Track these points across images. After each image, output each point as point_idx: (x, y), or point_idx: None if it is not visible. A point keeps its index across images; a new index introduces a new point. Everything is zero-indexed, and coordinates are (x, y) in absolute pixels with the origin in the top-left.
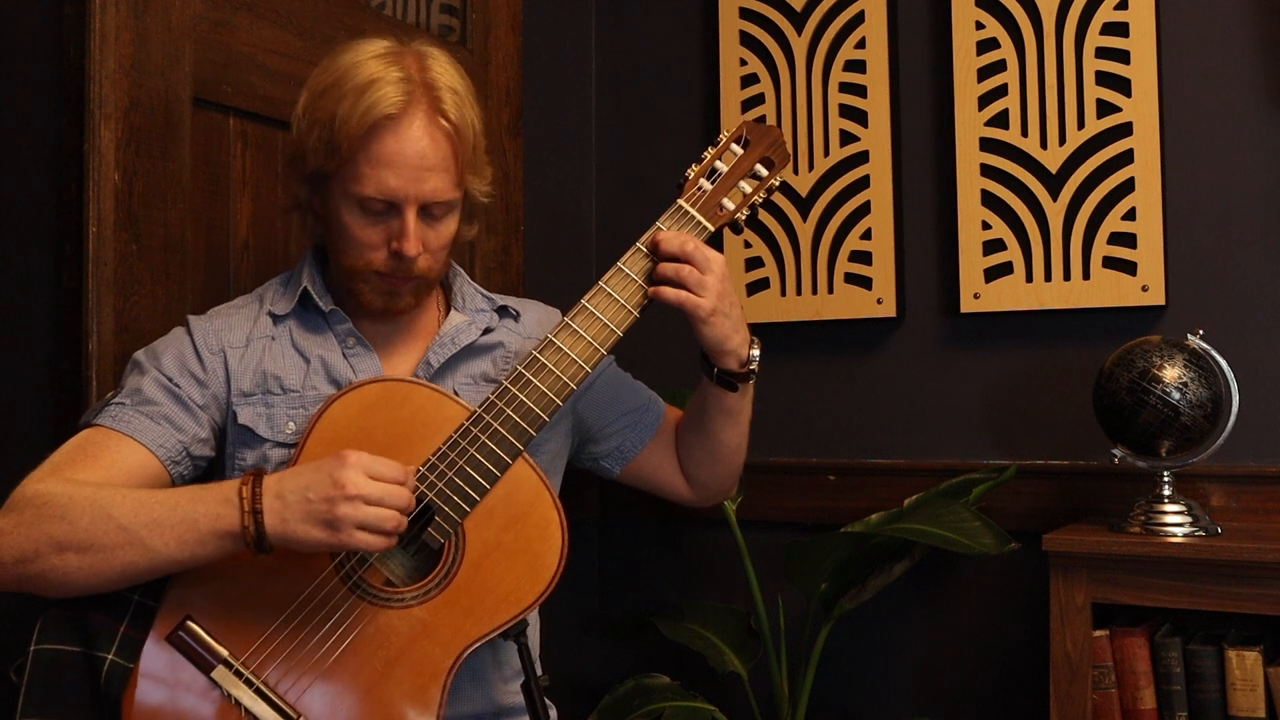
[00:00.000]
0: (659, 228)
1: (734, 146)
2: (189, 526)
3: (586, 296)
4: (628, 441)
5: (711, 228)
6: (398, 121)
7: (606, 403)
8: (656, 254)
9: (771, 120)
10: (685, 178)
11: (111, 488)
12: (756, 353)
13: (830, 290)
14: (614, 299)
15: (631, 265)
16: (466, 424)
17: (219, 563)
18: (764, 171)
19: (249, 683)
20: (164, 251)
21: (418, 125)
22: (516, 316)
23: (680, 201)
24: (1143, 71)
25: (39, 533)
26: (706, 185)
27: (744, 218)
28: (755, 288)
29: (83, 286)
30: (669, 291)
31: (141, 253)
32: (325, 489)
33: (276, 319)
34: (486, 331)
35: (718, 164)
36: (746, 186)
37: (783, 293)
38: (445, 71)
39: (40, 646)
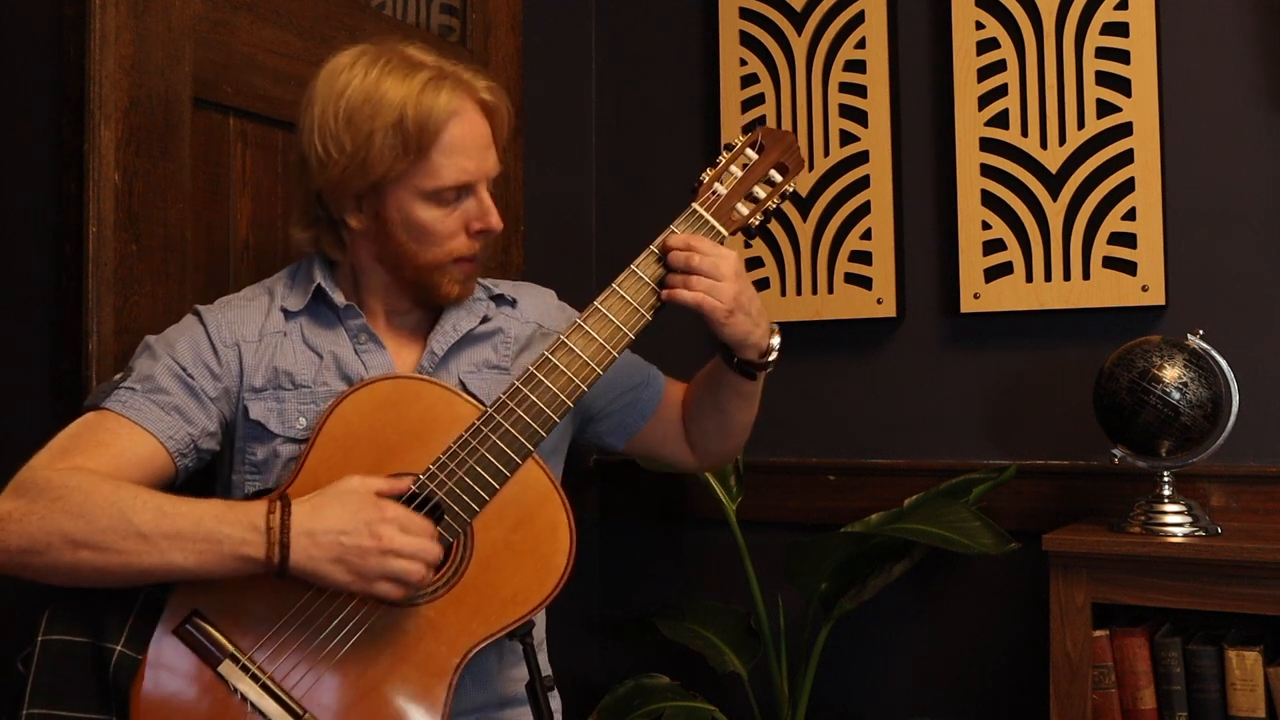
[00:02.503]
0: (673, 231)
1: (749, 151)
2: (211, 545)
3: (599, 298)
4: (630, 418)
5: (726, 232)
6: (462, 112)
7: (606, 383)
8: (665, 259)
9: (771, 120)
10: (700, 182)
11: (130, 488)
12: (777, 341)
13: (830, 290)
14: (626, 301)
15: (644, 268)
16: (477, 423)
17: None
18: (778, 177)
19: (255, 678)
20: (164, 251)
21: (472, 110)
22: (513, 303)
23: (695, 205)
24: (1143, 71)
25: (53, 526)
26: (721, 190)
27: (757, 223)
28: (755, 288)
29: (83, 286)
30: (683, 293)
31: (141, 253)
32: (361, 538)
33: (289, 314)
34: (485, 320)
35: (732, 168)
36: (760, 192)
37: (783, 293)
38: (430, 54)
39: (48, 637)
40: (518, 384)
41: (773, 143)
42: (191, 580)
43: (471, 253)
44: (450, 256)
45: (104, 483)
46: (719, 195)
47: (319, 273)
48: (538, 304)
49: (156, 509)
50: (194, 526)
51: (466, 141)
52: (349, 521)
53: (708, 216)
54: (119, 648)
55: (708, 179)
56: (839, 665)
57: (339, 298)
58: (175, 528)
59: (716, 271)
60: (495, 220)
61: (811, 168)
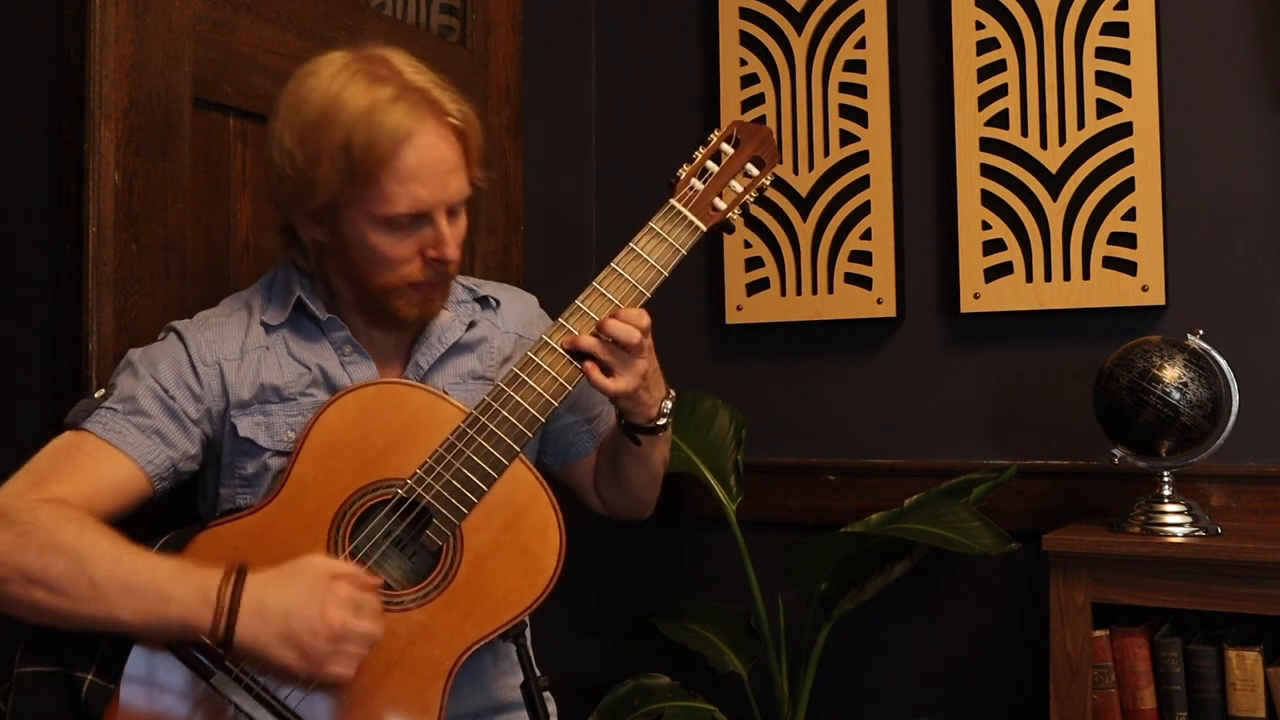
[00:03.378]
0: (652, 228)
1: (725, 146)
2: (159, 605)
3: (580, 297)
4: (578, 445)
5: (704, 227)
6: (415, 135)
7: (570, 403)
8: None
9: (771, 120)
10: (677, 178)
11: (92, 532)
12: (669, 406)
13: (830, 290)
14: (608, 299)
15: (623, 267)
16: (463, 426)
17: None
18: (755, 170)
19: (249, 688)
20: (164, 251)
21: (432, 133)
22: (496, 305)
23: (672, 201)
24: (1143, 71)
25: (12, 560)
26: (698, 185)
27: (735, 217)
28: (755, 288)
29: (83, 286)
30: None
31: (141, 253)
32: (312, 621)
33: (269, 328)
34: (470, 326)
35: (709, 164)
36: (738, 186)
37: (783, 293)
38: (420, 70)
39: (23, 669)
40: (502, 385)
41: (748, 136)
42: (136, 637)
43: (425, 279)
44: (404, 281)
45: (69, 522)
46: (696, 191)
47: (297, 285)
48: (519, 311)
49: (114, 560)
50: (146, 583)
51: (422, 169)
52: (302, 604)
53: (686, 212)
54: (89, 676)
55: (684, 174)
56: (839, 665)
57: (320, 310)
58: (128, 582)
59: (625, 364)
60: (451, 251)
61: (811, 167)
